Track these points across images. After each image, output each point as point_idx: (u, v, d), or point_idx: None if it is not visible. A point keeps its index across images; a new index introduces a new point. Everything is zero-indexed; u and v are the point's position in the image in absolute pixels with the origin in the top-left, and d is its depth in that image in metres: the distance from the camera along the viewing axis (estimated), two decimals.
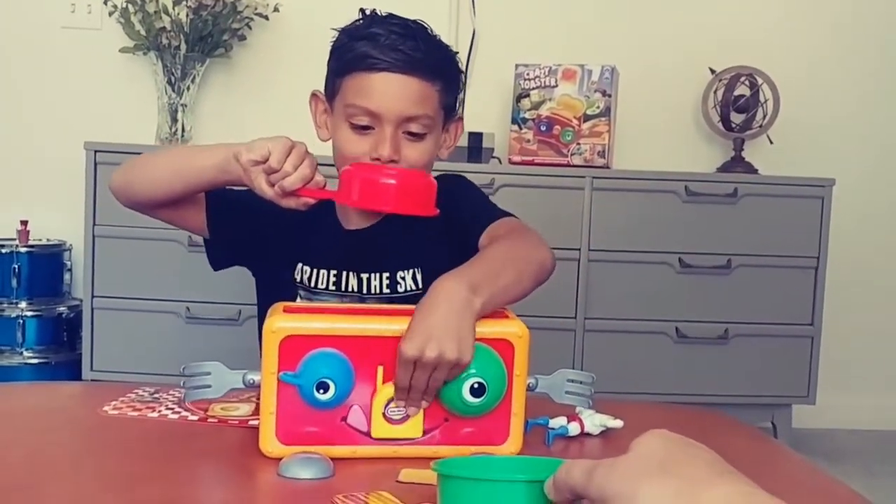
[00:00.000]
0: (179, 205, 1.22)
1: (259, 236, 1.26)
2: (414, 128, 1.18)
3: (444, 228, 1.22)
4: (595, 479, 0.53)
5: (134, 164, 1.24)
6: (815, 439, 2.80)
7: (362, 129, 1.18)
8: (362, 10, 1.23)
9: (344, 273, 1.24)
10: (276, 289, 1.23)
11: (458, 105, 1.28)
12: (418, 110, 1.17)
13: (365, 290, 1.24)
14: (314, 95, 1.30)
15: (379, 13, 1.22)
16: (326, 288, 1.24)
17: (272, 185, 1.05)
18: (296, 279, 1.24)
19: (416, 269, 1.24)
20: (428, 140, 1.20)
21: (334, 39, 1.24)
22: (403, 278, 1.24)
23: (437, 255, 1.21)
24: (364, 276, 1.24)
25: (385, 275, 1.24)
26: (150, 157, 1.25)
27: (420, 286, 1.23)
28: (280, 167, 1.03)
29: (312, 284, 1.24)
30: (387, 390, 0.91)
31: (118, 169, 1.26)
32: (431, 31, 1.22)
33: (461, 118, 1.31)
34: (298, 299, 1.24)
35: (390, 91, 1.16)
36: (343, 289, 1.23)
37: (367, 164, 1.14)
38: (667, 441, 0.54)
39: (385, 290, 1.23)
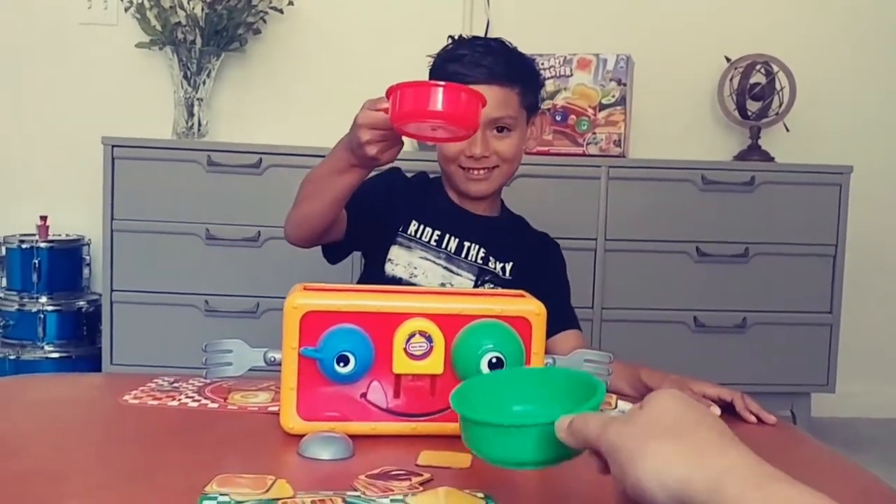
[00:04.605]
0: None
1: (382, 215, 1.42)
2: (500, 125, 1.40)
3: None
4: (608, 433, 0.56)
5: (291, 216, 1.36)
6: (834, 428, 2.78)
7: None
8: (451, 37, 1.48)
9: (447, 235, 1.43)
10: (377, 245, 1.42)
11: (539, 102, 1.50)
12: (501, 112, 1.38)
13: (462, 255, 1.43)
14: None
15: (464, 37, 1.48)
16: (428, 242, 1.42)
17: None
18: (400, 230, 1.42)
19: (507, 263, 1.45)
20: (513, 135, 1.42)
21: (431, 64, 1.46)
22: (496, 261, 1.44)
23: (528, 261, 1.46)
24: (466, 242, 1.43)
25: (482, 250, 1.44)
26: (298, 208, 1.34)
27: (507, 275, 1.44)
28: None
29: (417, 236, 1.42)
30: (408, 325, 0.91)
31: (286, 227, 1.37)
32: (510, 44, 1.45)
33: (544, 112, 1.50)
34: (392, 247, 1.41)
35: None
36: (442, 246, 1.43)
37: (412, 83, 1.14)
38: (680, 403, 0.56)
39: (478, 261, 1.43)
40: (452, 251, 1.43)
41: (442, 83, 1.03)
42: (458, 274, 1.42)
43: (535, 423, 0.62)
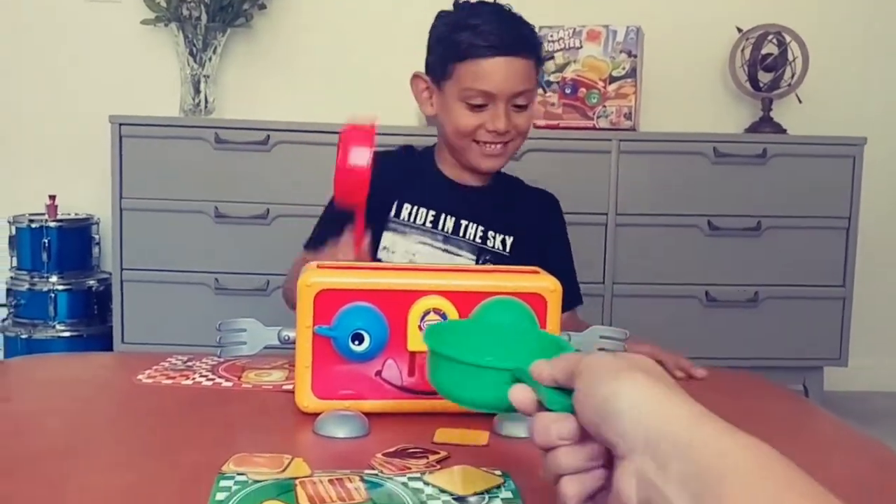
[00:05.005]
0: None
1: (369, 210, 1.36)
2: (521, 101, 1.34)
3: (538, 232, 1.42)
4: (591, 355, 0.56)
5: (288, 290, 1.34)
6: (847, 402, 2.77)
7: (477, 107, 1.34)
8: (455, 2, 1.41)
9: (442, 214, 1.39)
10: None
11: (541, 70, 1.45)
12: (524, 85, 1.33)
13: (461, 234, 1.38)
14: (416, 76, 1.42)
15: (470, 1, 1.40)
16: (424, 224, 1.38)
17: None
18: (392, 216, 1.38)
19: (507, 236, 1.40)
20: (530, 108, 1.37)
21: (434, 27, 1.39)
22: (494, 237, 1.40)
23: (529, 241, 1.41)
24: (462, 221, 1.39)
25: (480, 227, 1.39)
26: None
27: (507, 250, 1.40)
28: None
29: (412, 220, 1.38)
30: (423, 303, 0.91)
31: (284, 295, 1.36)
32: (512, 9, 1.39)
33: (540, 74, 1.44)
34: (386, 234, 1.37)
35: (501, 73, 1.31)
36: (439, 228, 1.38)
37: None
38: (658, 365, 0.57)
39: (476, 240, 1.39)
40: (450, 231, 1.38)
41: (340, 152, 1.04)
42: (457, 255, 1.38)
43: (508, 367, 0.61)
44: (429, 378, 0.67)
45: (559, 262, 1.43)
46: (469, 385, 0.63)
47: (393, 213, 1.38)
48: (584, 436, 0.54)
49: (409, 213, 1.38)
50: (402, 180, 1.40)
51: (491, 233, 1.40)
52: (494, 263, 1.38)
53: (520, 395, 0.58)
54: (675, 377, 1.12)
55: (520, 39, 1.33)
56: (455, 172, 1.43)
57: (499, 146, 1.36)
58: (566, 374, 0.56)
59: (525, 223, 1.43)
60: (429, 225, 1.38)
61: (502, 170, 1.49)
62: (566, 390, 0.56)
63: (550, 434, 0.55)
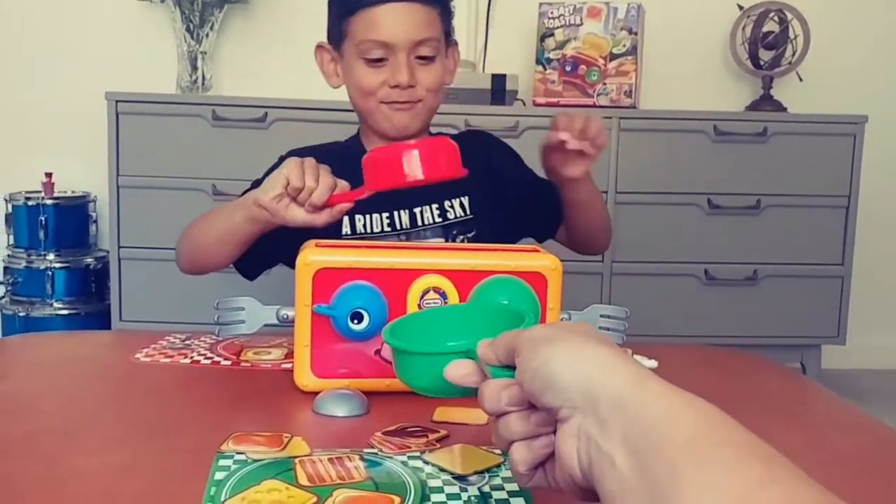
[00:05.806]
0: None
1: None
2: (424, 51, 1.23)
3: (486, 171, 1.30)
4: (524, 333, 0.55)
5: (182, 249, 1.26)
6: (844, 380, 2.78)
7: (376, 62, 1.23)
8: None
9: (395, 212, 1.27)
10: None
11: (452, 31, 1.32)
12: (426, 33, 1.22)
13: (419, 223, 1.28)
14: (319, 47, 1.33)
15: None
16: (382, 230, 1.27)
17: (302, 206, 1.04)
18: (346, 235, 1.26)
19: (462, 198, 1.30)
20: (437, 62, 1.25)
21: None
22: (452, 206, 1.30)
23: (482, 185, 1.29)
24: (416, 209, 1.28)
25: (434, 205, 1.29)
26: (189, 242, 1.25)
27: (468, 212, 1.30)
28: (303, 184, 1.02)
29: (368, 230, 1.27)
30: (422, 282, 0.90)
31: (177, 257, 1.28)
32: None
33: (456, 42, 1.34)
34: None
35: (398, 20, 1.20)
36: (398, 227, 1.27)
37: (383, 147, 1.08)
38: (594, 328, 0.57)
39: (437, 220, 1.28)
40: (408, 226, 1.28)
41: (414, 146, 0.98)
42: None
43: (461, 349, 0.61)
44: (397, 376, 0.66)
45: (529, 183, 1.36)
46: (432, 374, 0.62)
47: (347, 229, 1.27)
48: (532, 403, 0.54)
49: (364, 224, 1.27)
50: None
51: (447, 203, 1.30)
52: (462, 233, 1.30)
53: (455, 371, 0.60)
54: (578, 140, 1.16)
55: None
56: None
57: (406, 104, 1.25)
58: (507, 352, 0.56)
59: (472, 174, 1.29)
60: (387, 229, 1.27)
61: (431, 130, 1.37)
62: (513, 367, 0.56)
63: (501, 400, 0.55)
